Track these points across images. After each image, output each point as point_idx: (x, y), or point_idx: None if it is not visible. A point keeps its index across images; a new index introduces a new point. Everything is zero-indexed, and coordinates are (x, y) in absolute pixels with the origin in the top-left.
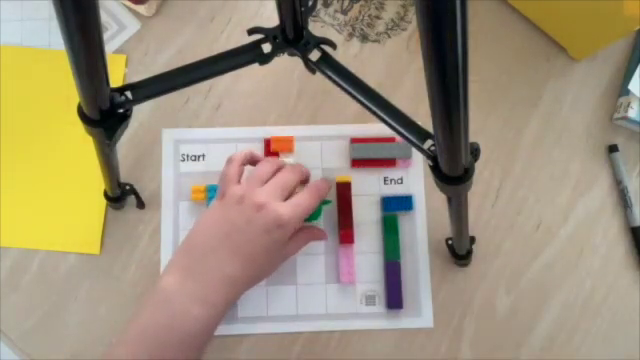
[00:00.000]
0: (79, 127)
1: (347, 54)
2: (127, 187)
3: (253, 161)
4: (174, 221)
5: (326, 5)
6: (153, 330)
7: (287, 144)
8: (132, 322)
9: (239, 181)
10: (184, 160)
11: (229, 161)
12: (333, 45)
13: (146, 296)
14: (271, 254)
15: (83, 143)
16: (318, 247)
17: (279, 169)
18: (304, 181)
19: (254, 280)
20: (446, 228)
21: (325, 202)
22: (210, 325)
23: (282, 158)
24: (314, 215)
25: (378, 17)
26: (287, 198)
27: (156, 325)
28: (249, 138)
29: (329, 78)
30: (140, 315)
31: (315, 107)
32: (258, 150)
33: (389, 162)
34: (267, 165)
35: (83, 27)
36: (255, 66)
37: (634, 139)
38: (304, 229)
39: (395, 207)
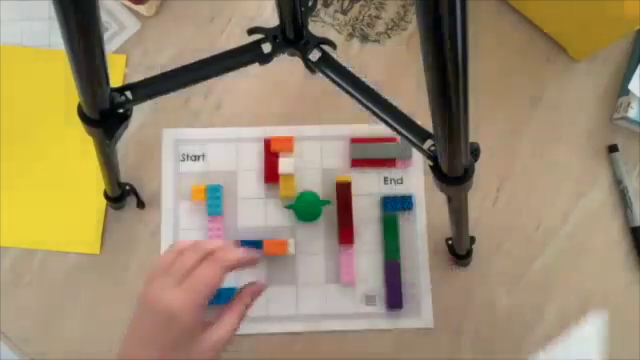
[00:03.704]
0: (79, 127)
1: (347, 54)
2: (127, 187)
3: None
4: (174, 221)
5: (326, 5)
6: None
7: (287, 144)
8: None
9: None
10: (184, 160)
11: (173, 245)
12: (333, 45)
13: None
14: (182, 353)
15: (83, 143)
16: (318, 247)
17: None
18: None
19: None
20: (446, 228)
21: (325, 202)
22: None
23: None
24: (314, 216)
25: (378, 17)
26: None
27: None
28: (249, 138)
29: (329, 78)
30: None
31: (315, 107)
32: (258, 151)
33: (389, 162)
34: (169, 254)
35: (83, 27)
36: (255, 66)
37: (634, 139)
38: (228, 308)
39: (395, 207)
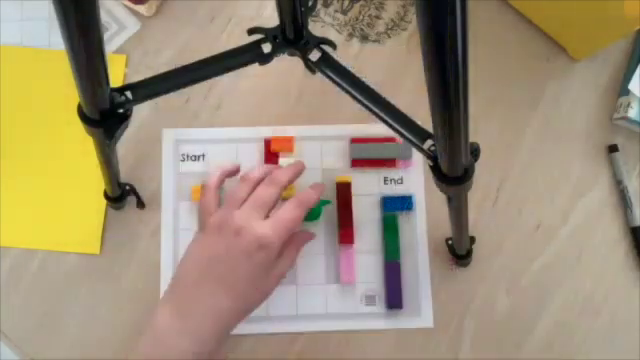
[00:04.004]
0: (79, 127)
1: (347, 54)
2: (127, 187)
3: (231, 174)
4: (174, 221)
5: (326, 5)
6: None
7: (287, 144)
8: (129, 357)
9: (216, 207)
10: (184, 160)
11: (204, 189)
12: (333, 45)
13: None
14: (257, 279)
15: (83, 143)
16: (318, 247)
17: (256, 185)
18: (293, 178)
19: (245, 308)
20: (446, 228)
21: (325, 202)
22: (204, 358)
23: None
24: (314, 215)
25: (378, 17)
26: (268, 214)
27: None
28: (249, 138)
29: (329, 78)
30: (135, 351)
31: (315, 107)
32: (258, 151)
33: (389, 162)
34: (242, 184)
35: (83, 27)
36: (255, 66)
37: (634, 139)
38: (291, 241)
39: (395, 207)
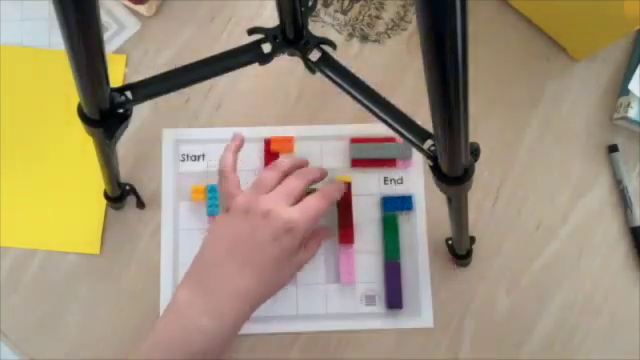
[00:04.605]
0: (79, 127)
1: (347, 54)
2: (127, 187)
3: (239, 148)
4: (174, 221)
5: (326, 5)
6: (166, 343)
7: (287, 144)
8: (149, 335)
9: (240, 189)
10: (184, 160)
11: (222, 175)
12: (333, 45)
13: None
14: (281, 263)
15: (83, 143)
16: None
17: (285, 175)
18: (318, 179)
19: (267, 292)
20: (446, 228)
21: None
22: (221, 339)
23: (283, 157)
24: None
25: (378, 17)
26: (294, 204)
27: (169, 338)
28: (249, 138)
29: (329, 78)
30: (156, 328)
31: (315, 107)
32: (258, 151)
33: (389, 162)
34: (272, 172)
35: (83, 27)
36: (255, 66)
37: (634, 139)
38: (314, 234)
39: (395, 207)
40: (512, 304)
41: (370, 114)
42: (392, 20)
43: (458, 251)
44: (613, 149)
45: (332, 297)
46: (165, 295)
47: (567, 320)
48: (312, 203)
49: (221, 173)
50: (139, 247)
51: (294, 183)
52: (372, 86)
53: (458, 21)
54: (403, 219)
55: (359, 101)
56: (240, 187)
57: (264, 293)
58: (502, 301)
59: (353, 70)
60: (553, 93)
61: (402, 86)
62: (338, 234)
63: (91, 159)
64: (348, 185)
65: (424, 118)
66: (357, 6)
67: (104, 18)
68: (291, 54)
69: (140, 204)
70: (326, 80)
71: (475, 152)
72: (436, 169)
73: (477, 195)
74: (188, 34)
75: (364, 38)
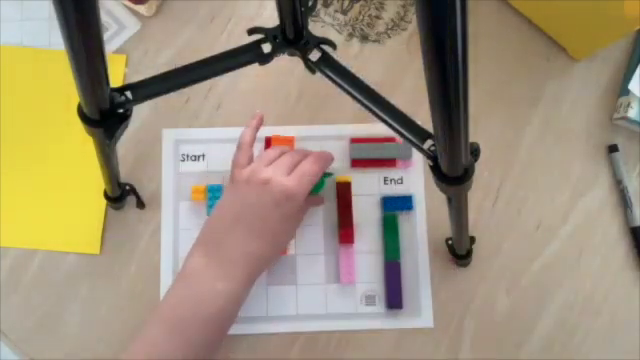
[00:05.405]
0: (79, 127)
1: (347, 54)
2: (127, 187)
3: (259, 125)
4: (174, 221)
5: (326, 5)
6: (181, 308)
7: (287, 144)
8: (162, 302)
9: (248, 163)
10: (184, 160)
11: (238, 147)
12: (333, 45)
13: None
14: (284, 226)
15: (83, 143)
16: (318, 247)
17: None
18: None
19: (274, 253)
20: (446, 228)
21: (327, 174)
22: (234, 300)
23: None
24: (317, 187)
25: (378, 17)
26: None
27: (183, 303)
28: None
29: (329, 78)
30: (169, 295)
31: (315, 107)
32: (258, 150)
33: (389, 162)
34: (275, 149)
35: (83, 27)
36: (255, 66)
37: (634, 139)
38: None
39: (395, 207)
40: (512, 304)
41: (370, 114)
42: (392, 20)
43: (458, 251)
44: (613, 149)
45: (332, 297)
46: None
47: (567, 320)
48: (306, 168)
49: (239, 145)
50: (139, 247)
51: (291, 158)
52: (372, 86)
53: (458, 21)
54: (403, 219)
55: (359, 101)
56: (250, 161)
57: (269, 257)
58: (502, 301)
59: (353, 70)
60: (553, 93)
61: (402, 86)
62: (338, 234)
63: (91, 159)
64: (348, 185)
65: (424, 118)
66: (357, 6)
67: (104, 18)
68: (291, 54)
69: (140, 204)
70: (326, 80)
71: (475, 152)
72: (436, 169)
73: (477, 195)
74: (188, 34)
75: (364, 38)
